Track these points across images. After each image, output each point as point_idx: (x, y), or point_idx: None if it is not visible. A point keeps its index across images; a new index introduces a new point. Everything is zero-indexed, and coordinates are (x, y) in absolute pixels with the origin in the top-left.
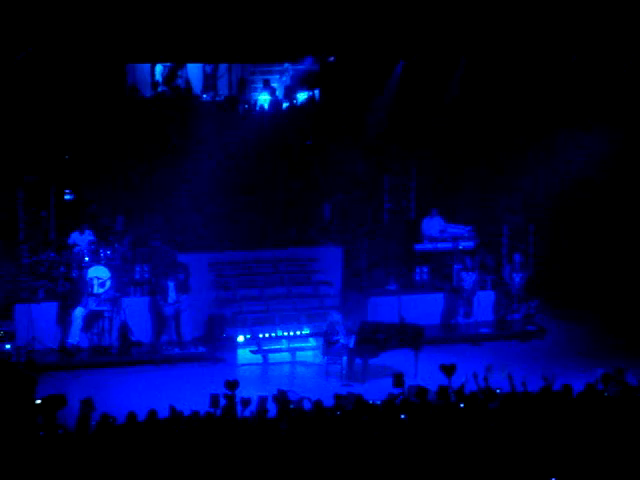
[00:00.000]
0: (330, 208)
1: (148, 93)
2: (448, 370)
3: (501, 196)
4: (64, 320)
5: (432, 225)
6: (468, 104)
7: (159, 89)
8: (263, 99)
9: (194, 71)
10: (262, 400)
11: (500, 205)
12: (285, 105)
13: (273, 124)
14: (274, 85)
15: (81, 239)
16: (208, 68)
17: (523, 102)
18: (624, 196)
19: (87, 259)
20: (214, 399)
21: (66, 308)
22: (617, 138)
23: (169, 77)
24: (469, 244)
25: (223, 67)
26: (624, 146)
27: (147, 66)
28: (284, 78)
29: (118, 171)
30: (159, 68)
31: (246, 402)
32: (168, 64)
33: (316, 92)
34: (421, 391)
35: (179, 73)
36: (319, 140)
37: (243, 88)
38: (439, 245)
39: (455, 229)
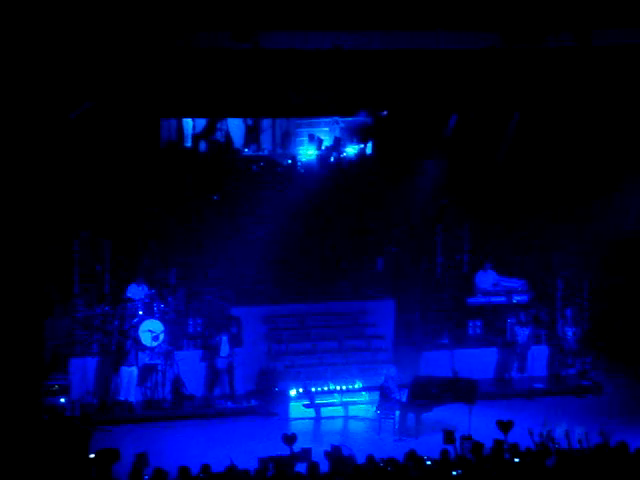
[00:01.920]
0: (383, 261)
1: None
2: (505, 426)
3: (556, 250)
4: (115, 374)
5: (485, 278)
6: (522, 157)
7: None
8: (309, 153)
9: (235, 123)
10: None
11: (554, 259)
12: (332, 158)
13: (324, 178)
14: (323, 138)
15: (138, 291)
16: (250, 120)
17: (578, 156)
18: None
19: (141, 313)
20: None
21: (117, 363)
22: None
23: (207, 130)
24: (523, 298)
25: (267, 119)
26: None
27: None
28: (335, 131)
29: (171, 224)
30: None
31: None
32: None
33: (367, 145)
34: (476, 446)
35: (218, 126)
36: (374, 194)
37: (288, 142)
38: (492, 299)
39: (509, 283)
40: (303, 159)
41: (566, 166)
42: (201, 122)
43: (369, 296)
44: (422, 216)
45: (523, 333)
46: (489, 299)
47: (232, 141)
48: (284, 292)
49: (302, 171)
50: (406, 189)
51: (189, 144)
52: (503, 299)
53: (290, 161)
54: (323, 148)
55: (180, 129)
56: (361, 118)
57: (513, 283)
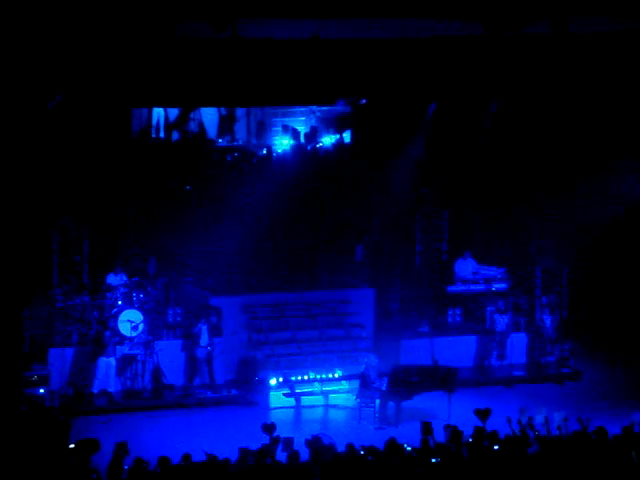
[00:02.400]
0: (363, 250)
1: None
2: (483, 414)
3: (534, 238)
4: (94, 365)
5: (465, 267)
6: (501, 146)
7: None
8: (284, 143)
9: (209, 113)
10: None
11: (533, 247)
12: (308, 148)
13: (301, 168)
14: (298, 128)
15: (116, 280)
16: (224, 110)
17: (557, 144)
18: None
19: (120, 303)
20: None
21: (96, 354)
22: None
23: (180, 120)
24: (502, 286)
25: (241, 109)
26: None
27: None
28: (311, 121)
29: (150, 214)
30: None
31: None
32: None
33: (345, 134)
34: (455, 434)
35: (191, 116)
36: (352, 182)
37: (263, 132)
38: (472, 287)
39: (488, 271)
40: (278, 149)
41: (545, 154)
42: (173, 112)
43: (349, 285)
44: (401, 205)
45: (502, 321)
46: (468, 287)
47: (206, 131)
48: (263, 282)
49: (277, 161)
50: (385, 178)
51: (162, 134)
52: (482, 287)
53: (265, 151)
54: (300, 138)
55: (150, 119)
56: (339, 107)
57: (492, 271)
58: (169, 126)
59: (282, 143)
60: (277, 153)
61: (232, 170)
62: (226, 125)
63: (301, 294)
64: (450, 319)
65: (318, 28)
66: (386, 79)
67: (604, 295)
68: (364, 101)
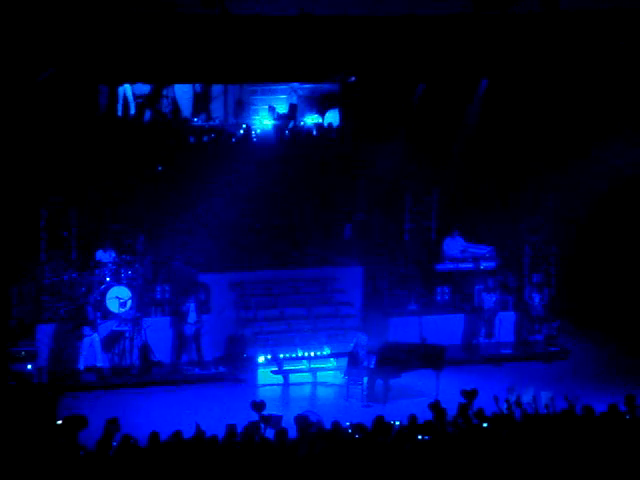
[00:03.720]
0: (351, 228)
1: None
2: (469, 395)
3: (523, 216)
4: (81, 341)
5: (453, 245)
6: (490, 124)
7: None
8: (265, 123)
9: (183, 90)
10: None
11: (522, 225)
12: (289, 127)
13: (285, 147)
14: (278, 107)
15: (105, 257)
16: (199, 87)
17: (545, 122)
18: None
19: (108, 279)
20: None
21: (78, 328)
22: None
23: (152, 97)
24: (490, 264)
25: (217, 86)
26: None
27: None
28: (292, 99)
29: (137, 191)
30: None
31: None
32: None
33: (329, 114)
34: (439, 412)
35: (164, 93)
36: (340, 161)
37: (241, 111)
38: (460, 265)
39: (476, 249)
40: (258, 129)
41: (534, 132)
42: (140, 88)
43: (337, 263)
44: (390, 183)
45: (490, 299)
46: (457, 266)
47: (180, 110)
48: (252, 259)
49: (259, 141)
50: (374, 156)
51: (132, 112)
52: (471, 265)
53: (242, 131)
54: (278, 116)
55: (113, 96)
56: (323, 86)
57: (481, 250)
58: (140, 104)
59: (262, 123)
60: (256, 133)
61: (209, 150)
62: (201, 103)
63: (290, 272)
64: (438, 297)
65: (307, 5)
66: (375, 56)
67: (592, 273)
68: (353, 79)
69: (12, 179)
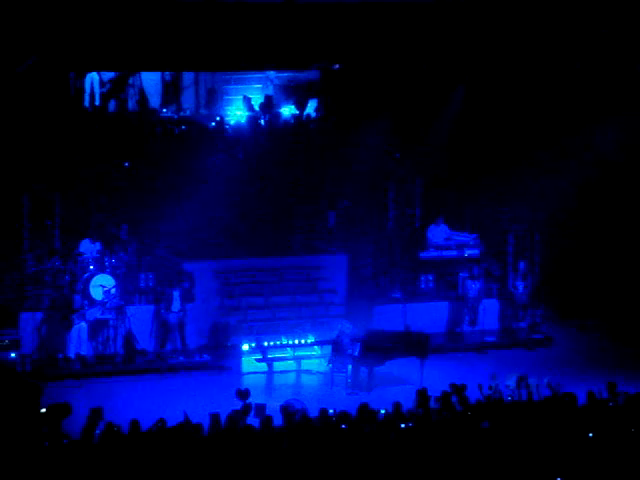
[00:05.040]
0: (335, 216)
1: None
2: (458, 390)
3: (507, 204)
4: (65, 329)
5: (438, 233)
6: (473, 111)
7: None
8: (238, 114)
9: (151, 78)
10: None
11: (506, 213)
12: (265, 119)
13: (266, 137)
14: (253, 97)
15: (92, 247)
16: (168, 75)
17: (528, 110)
18: (631, 204)
19: (92, 268)
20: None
21: (67, 318)
22: (623, 143)
23: (116, 87)
24: (474, 252)
25: (188, 75)
26: (631, 151)
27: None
28: (267, 89)
29: (122, 179)
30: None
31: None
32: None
33: (308, 105)
34: (423, 399)
35: (130, 82)
36: (323, 148)
37: (213, 101)
38: (444, 253)
39: (461, 237)
40: (232, 121)
41: (518, 120)
42: (108, 77)
43: (321, 251)
44: (374, 170)
45: (474, 287)
46: (441, 253)
47: (147, 100)
48: (236, 247)
49: (232, 134)
50: (357, 144)
51: (97, 103)
52: (455, 253)
53: (214, 123)
54: (252, 108)
55: (79, 86)
56: (300, 75)
57: (465, 237)
58: (104, 94)
59: (236, 114)
60: (230, 125)
61: (181, 143)
62: (171, 93)
63: (274, 260)
64: (423, 285)
65: None
66: (361, 43)
67: (576, 261)
68: (337, 66)
69: None
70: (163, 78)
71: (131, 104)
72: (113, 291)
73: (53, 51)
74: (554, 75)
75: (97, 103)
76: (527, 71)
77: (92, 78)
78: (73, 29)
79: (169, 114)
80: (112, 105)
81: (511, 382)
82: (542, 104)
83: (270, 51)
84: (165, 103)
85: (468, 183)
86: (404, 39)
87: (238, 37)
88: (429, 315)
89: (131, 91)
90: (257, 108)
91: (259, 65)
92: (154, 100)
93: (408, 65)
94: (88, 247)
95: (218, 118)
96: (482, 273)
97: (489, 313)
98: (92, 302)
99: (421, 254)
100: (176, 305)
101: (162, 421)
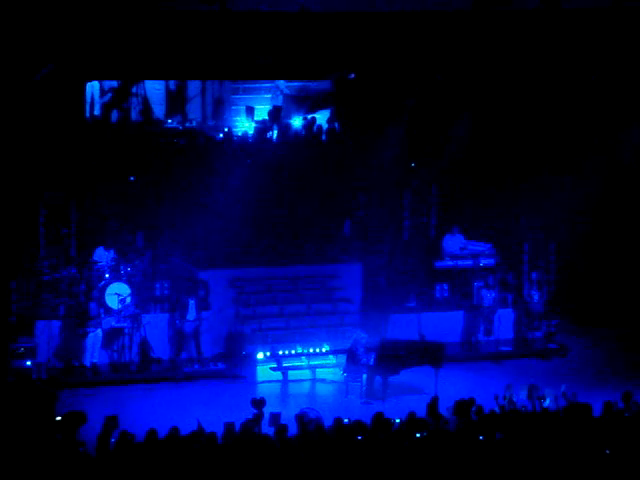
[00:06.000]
0: (350, 225)
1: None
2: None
3: (522, 213)
4: (81, 338)
5: (453, 242)
6: (490, 120)
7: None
8: (247, 125)
9: (155, 87)
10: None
11: (521, 223)
12: (275, 130)
13: (280, 149)
14: (262, 107)
15: (106, 255)
16: (172, 85)
17: (545, 119)
18: None
19: (107, 276)
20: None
21: (83, 326)
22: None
23: (118, 96)
24: (490, 261)
25: (194, 84)
26: None
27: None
28: (276, 99)
29: (138, 188)
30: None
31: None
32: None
33: (319, 115)
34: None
35: (133, 91)
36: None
37: (221, 111)
38: (459, 262)
39: (476, 246)
40: (240, 132)
41: (534, 129)
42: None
43: (336, 260)
44: (389, 179)
45: (490, 296)
46: (456, 263)
47: (151, 110)
48: (251, 256)
49: (239, 145)
50: (372, 153)
51: (97, 112)
52: (470, 263)
53: (222, 135)
54: (261, 119)
55: (80, 95)
56: (311, 84)
57: (480, 247)
58: (106, 104)
59: (244, 125)
60: (238, 136)
61: (186, 154)
62: (176, 103)
63: (289, 268)
64: (438, 294)
65: (307, 1)
66: (374, 53)
67: (592, 271)
68: (352, 76)
69: (11, 175)
70: (167, 87)
71: (134, 114)
72: (129, 300)
73: (69, 59)
74: (570, 84)
75: (97, 113)
76: (545, 79)
77: (92, 86)
78: (84, 36)
79: (174, 125)
80: (114, 115)
81: (524, 393)
82: (560, 113)
83: (283, 60)
84: (170, 113)
85: (484, 192)
86: (418, 48)
87: (250, 45)
88: (444, 324)
89: (134, 101)
90: (266, 117)
91: (271, 74)
92: (158, 110)
93: (422, 74)
94: (102, 255)
95: (226, 129)
96: (497, 282)
97: (504, 322)
98: (108, 310)
99: (436, 263)
100: (192, 314)
101: (176, 430)
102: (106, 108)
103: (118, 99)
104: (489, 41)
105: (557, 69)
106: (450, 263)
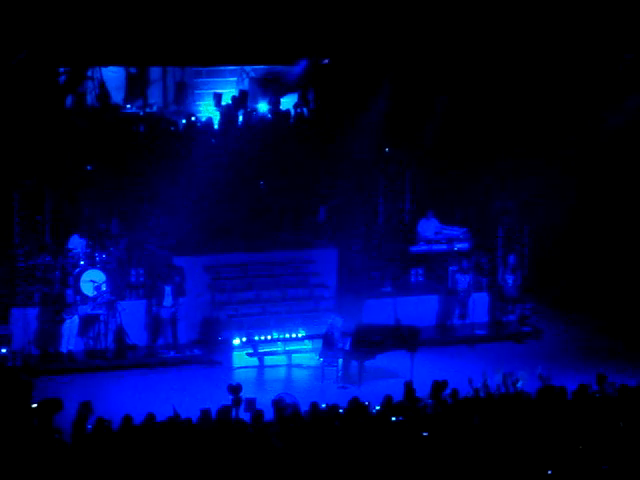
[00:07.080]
0: (325, 210)
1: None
2: (440, 387)
3: (496, 198)
4: (56, 325)
5: (428, 227)
6: (463, 105)
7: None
8: (211, 110)
9: (113, 71)
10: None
11: (495, 207)
12: (240, 117)
13: (248, 134)
14: (227, 91)
15: (80, 242)
16: (133, 68)
17: (518, 103)
18: (621, 196)
19: (82, 263)
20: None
21: (58, 314)
22: (616, 134)
23: (71, 79)
24: (464, 246)
25: (155, 68)
26: (623, 143)
27: None
28: (242, 83)
29: (113, 174)
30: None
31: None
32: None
33: (285, 100)
34: (410, 392)
35: (89, 74)
36: (313, 143)
37: (183, 96)
38: (434, 247)
39: (450, 231)
40: (203, 117)
41: (507, 114)
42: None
43: (312, 245)
44: (364, 165)
45: (464, 280)
46: (431, 247)
47: (109, 94)
48: (227, 242)
49: (202, 131)
50: (347, 138)
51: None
52: (445, 247)
53: (185, 121)
54: (223, 106)
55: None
56: (277, 67)
57: (455, 231)
58: (59, 88)
59: (207, 110)
60: (201, 121)
61: (148, 141)
62: (136, 87)
63: (265, 254)
64: (413, 279)
65: None
66: (348, 37)
67: (566, 255)
68: (326, 61)
69: None
70: (127, 71)
71: (90, 99)
72: (104, 287)
73: (42, 45)
74: (545, 67)
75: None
76: (518, 63)
77: None
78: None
79: (134, 110)
80: (68, 100)
81: (498, 377)
82: (533, 97)
83: (252, 43)
84: (129, 98)
85: (458, 177)
86: (392, 32)
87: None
88: (419, 309)
89: (90, 84)
90: (229, 106)
91: (239, 58)
92: (117, 95)
93: (396, 58)
94: (77, 242)
95: (193, 118)
96: (472, 267)
97: (479, 306)
98: (84, 298)
99: (411, 248)
100: (168, 300)
101: (151, 416)
102: (59, 93)
103: (72, 83)
104: (461, 23)
105: (529, 51)
106: (425, 247)
